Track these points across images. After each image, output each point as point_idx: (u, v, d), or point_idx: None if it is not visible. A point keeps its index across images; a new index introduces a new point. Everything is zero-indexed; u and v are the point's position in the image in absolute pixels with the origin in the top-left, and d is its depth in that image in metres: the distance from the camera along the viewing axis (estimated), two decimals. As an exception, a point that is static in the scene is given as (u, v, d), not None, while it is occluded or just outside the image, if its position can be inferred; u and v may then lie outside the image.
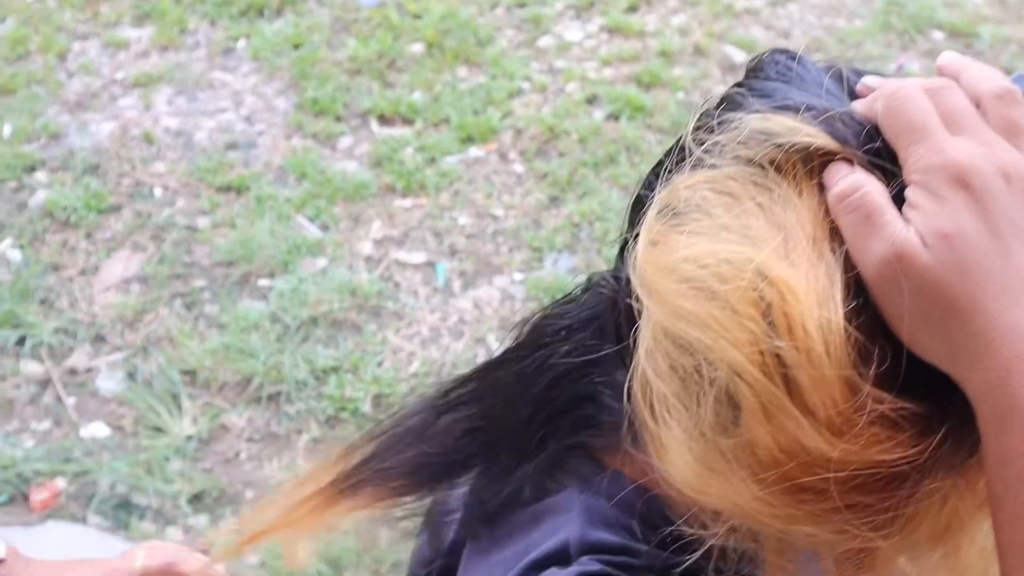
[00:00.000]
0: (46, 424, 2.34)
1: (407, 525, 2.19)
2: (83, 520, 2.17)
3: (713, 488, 0.64)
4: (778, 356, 0.60)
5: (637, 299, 0.66)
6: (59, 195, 2.78)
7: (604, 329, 0.74)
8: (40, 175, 2.87)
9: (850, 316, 0.60)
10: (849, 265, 0.60)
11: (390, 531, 2.17)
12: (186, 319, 2.51)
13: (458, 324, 2.53)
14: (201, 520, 2.18)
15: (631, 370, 0.67)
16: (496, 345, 2.47)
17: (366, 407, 2.35)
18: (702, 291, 0.62)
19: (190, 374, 2.40)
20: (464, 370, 0.88)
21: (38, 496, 2.19)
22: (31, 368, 2.42)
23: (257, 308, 2.52)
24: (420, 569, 0.94)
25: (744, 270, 0.61)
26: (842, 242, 0.61)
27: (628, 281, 0.67)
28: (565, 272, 2.62)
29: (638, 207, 0.69)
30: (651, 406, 0.65)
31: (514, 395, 0.79)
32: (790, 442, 0.60)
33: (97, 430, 2.32)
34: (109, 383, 2.39)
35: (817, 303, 0.59)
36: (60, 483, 2.22)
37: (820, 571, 0.71)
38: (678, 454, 0.64)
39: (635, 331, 0.67)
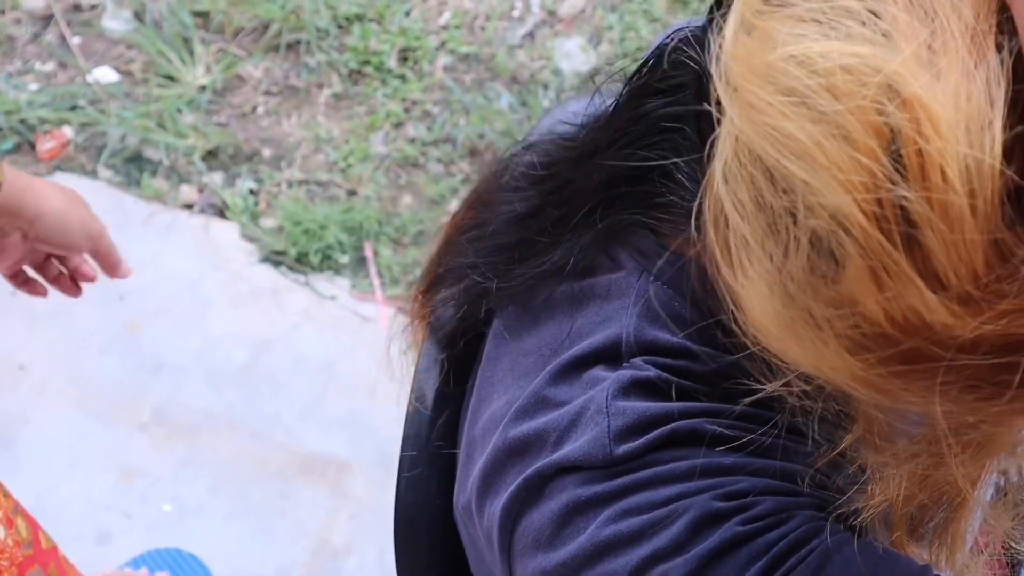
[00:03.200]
0: (50, 66, 2.19)
1: (432, 193, 2.07)
2: (93, 174, 2.07)
3: (797, 354, 0.50)
4: (901, 208, 0.44)
5: (717, 102, 0.50)
6: None
7: (686, 112, 0.59)
8: None
9: (1010, 151, 0.43)
10: (1022, 71, 0.44)
11: (414, 199, 2.06)
12: (197, -47, 2.29)
13: (494, -30, 2.31)
14: (216, 178, 2.07)
15: (703, 186, 0.52)
16: (535, -3, 2.26)
17: (391, 62, 2.18)
18: (807, 108, 0.45)
19: (202, 16, 2.21)
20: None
21: (45, 145, 2.08)
22: (32, 1, 2.24)
23: (274, -57, 2.29)
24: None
25: (868, 83, 0.44)
26: (1014, 34, 0.44)
27: (707, 76, 0.50)
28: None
29: None
30: (726, 242, 0.50)
31: (588, 158, 0.65)
32: (906, 315, 0.45)
33: (104, 75, 2.17)
34: (116, 23, 2.22)
35: (965, 136, 0.43)
36: (67, 132, 2.10)
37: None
38: (756, 305, 0.50)
39: (712, 139, 0.51)
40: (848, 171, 0.44)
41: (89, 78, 2.16)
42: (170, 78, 2.15)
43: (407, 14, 2.23)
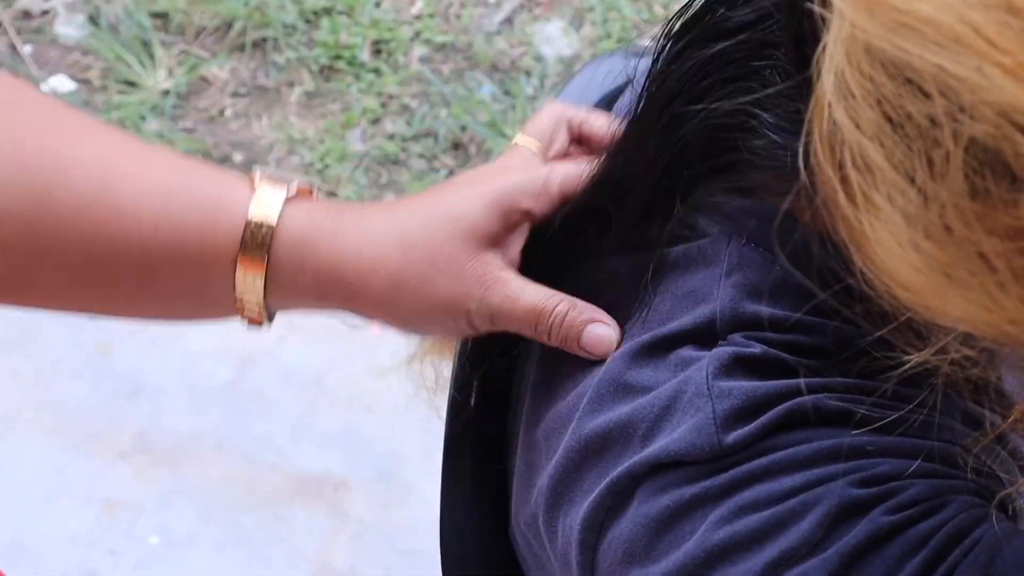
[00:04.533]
0: (2, 77, 2.06)
1: (415, 190, 1.95)
2: (53, 188, 1.95)
3: (957, 305, 0.40)
4: None
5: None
6: None
7: (774, 36, 0.49)
8: None
9: None
10: None
11: (397, 198, 1.95)
12: (152, -48, 2.18)
13: (466, -44, 2.21)
14: (186, 186, 1.95)
15: (807, 115, 0.42)
16: (510, -19, 2.16)
17: (364, 55, 2.07)
18: None
19: (161, 17, 2.10)
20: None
21: None
22: (-22, 11, 2.11)
23: (233, -62, 2.18)
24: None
25: None
26: None
27: None
28: None
29: None
30: (845, 176, 0.40)
31: (653, 119, 0.55)
32: None
33: (60, 84, 2.05)
34: (69, 29, 2.10)
35: None
36: (24, 146, 1.98)
37: None
38: (893, 250, 0.40)
39: (817, 53, 0.41)
40: (1018, 52, 0.35)
41: (44, 88, 2.03)
42: (131, 84, 2.03)
43: (377, 5, 2.12)
